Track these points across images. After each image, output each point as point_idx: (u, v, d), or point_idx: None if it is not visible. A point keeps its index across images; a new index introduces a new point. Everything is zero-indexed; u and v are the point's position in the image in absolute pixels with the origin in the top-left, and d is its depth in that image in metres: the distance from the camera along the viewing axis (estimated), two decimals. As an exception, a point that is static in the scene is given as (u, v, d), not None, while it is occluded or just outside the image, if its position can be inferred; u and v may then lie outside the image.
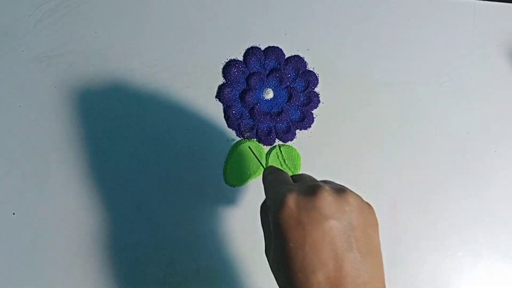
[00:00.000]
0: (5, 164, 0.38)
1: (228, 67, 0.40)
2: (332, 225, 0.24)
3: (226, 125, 0.40)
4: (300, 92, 0.40)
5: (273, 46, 0.41)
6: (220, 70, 0.40)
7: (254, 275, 0.38)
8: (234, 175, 0.39)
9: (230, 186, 0.39)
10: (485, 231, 0.40)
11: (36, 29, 0.40)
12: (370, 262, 0.24)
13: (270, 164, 0.39)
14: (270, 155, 0.39)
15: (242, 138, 0.40)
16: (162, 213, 0.38)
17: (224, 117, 0.40)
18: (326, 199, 0.24)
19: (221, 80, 0.40)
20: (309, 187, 0.25)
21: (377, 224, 0.26)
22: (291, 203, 0.25)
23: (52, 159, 0.38)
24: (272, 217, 0.26)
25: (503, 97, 0.42)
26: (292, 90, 0.40)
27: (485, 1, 0.43)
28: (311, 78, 0.41)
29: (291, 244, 0.24)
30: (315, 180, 0.28)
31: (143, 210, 0.38)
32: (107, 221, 0.38)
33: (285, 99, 0.40)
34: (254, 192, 0.39)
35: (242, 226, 0.38)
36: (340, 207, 0.24)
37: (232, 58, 0.41)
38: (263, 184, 0.30)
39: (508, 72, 0.42)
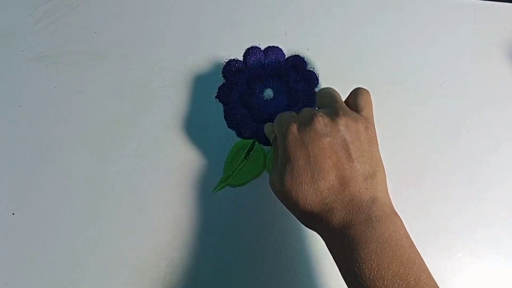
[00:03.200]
0: (5, 164, 0.38)
1: (228, 67, 0.40)
2: (329, 141, 0.29)
3: (226, 125, 0.40)
4: (300, 92, 0.40)
5: (273, 46, 0.41)
6: (220, 70, 0.40)
7: (255, 275, 0.38)
8: (234, 175, 0.39)
9: (230, 186, 0.39)
10: (485, 232, 0.40)
11: (36, 29, 0.40)
12: (369, 171, 0.29)
13: (270, 164, 0.39)
14: (270, 155, 0.39)
15: (242, 138, 0.40)
16: (161, 213, 0.38)
17: (224, 117, 0.40)
18: (321, 122, 0.29)
19: (221, 80, 0.40)
20: (307, 116, 0.30)
21: (372, 138, 0.31)
22: (293, 129, 0.30)
23: (52, 159, 0.38)
24: (281, 145, 0.30)
25: (503, 97, 0.42)
26: (292, 90, 0.40)
27: (485, 1, 0.43)
28: (311, 78, 0.41)
29: (300, 161, 0.28)
30: (313, 109, 0.32)
31: (143, 210, 0.38)
32: (107, 221, 0.38)
33: (285, 99, 0.40)
34: (255, 192, 0.39)
35: (242, 226, 0.38)
36: (334, 127, 0.29)
37: (232, 58, 0.41)
38: (274, 123, 0.34)
39: (508, 72, 0.42)
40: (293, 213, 0.31)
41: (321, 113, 0.30)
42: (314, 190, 0.28)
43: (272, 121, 0.40)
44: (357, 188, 0.28)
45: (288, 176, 0.29)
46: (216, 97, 0.40)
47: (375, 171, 0.29)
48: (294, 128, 0.30)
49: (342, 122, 0.29)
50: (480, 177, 0.41)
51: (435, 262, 0.39)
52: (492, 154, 0.41)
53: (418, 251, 0.28)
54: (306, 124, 0.29)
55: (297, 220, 0.31)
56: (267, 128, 0.36)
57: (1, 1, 0.40)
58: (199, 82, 0.40)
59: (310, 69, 0.41)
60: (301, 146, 0.29)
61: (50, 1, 0.40)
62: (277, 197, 0.31)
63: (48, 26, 0.40)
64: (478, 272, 0.39)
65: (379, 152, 0.31)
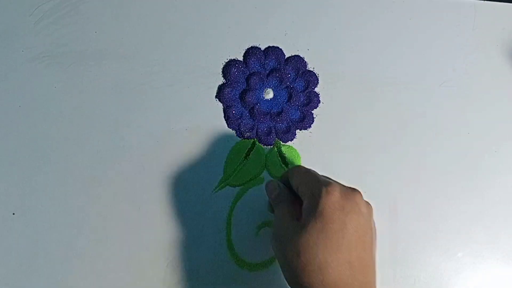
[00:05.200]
0: (5, 164, 0.38)
1: (228, 67, 0.40)
2: (364, 222, 0.29)
3: (226, 125, 0.40)
4: (300, 92, 0.40)
5: (273, 46, 0.41)
6: (220, 70, 0.40)
7: (254, 276, 0.38)
8: (234, 175, 0.39)
9: (230, 186, 0.39)
10: (485, 232, 0.40)
11: (36, 29, 0.40)
12: (373, 264, 0.29)
13: (270, 164, 0.39)
14: (270, 155, 0.39)
15: (242, 138, 0.40)
16: (162, 213, 0.38)
17: (224, 117, 0.40)
18: (363, 200, 0.30)
19: (221, 80, 0.40)
20: (348, 187, 0.30)
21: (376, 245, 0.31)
22: (336, 191, 0.29)
23: (52, 159, 0.38)
24: (313, 202, 0.29)
25: (503, 97, 0.42)
26: (292, 90, 0.40)
27: (485, 1, 0.43)
28: (311, 78, 0.41)
29: (335, 225, 0.27)
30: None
31: (143, 210, 0.38)
32: (107, 221, 0.38)
33: (285, 99, 0.40)
34: (254, 191, 0.39)
35: (242, 226, 0.38)
36: (369, 212, 0.30)
37: (232, 58, 0.41)
38: (294, 175, 0.32)
39: (508, 72, 0.42)
40: (286, 266, 0.29)
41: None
42: (336, 259, 0.27)
43: (272, 121, 0.40)
44: (370, 275, 0.28)
45: (314, 231, 0.27)
46: (216, 97, 0.40)
47: (374, 269, 0.30)
48: (337, 191, 0.29)
49: (372, 211, 0.31)
50: (480, 177, 0.41)
51: (435, 262, 0.39)
52: (492, 154, 0.41)
53: None
54: (349, 194, 0.29)
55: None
56: (272, 184, 0.34)
57: (1, 1, 0.40)
58: (199, 82, 0.40)
59: (310, 69, 0.41)
60: (340, 211, 0.28)
61: (50, 1, 0.40)
62: (277, 245, 0.29)
63: (48, 26, 0.40)
64: (478, 272, 0.39)
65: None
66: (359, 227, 0.28)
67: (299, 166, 0.34)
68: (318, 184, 0.29)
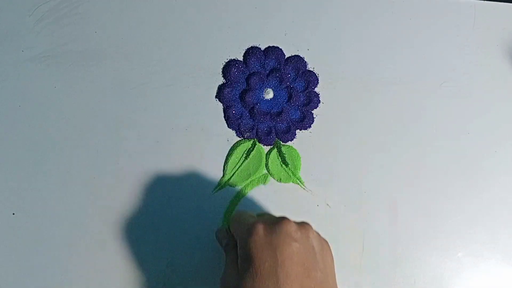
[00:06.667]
0: (5, 164, 0.38)
1: (228, 67, 0.40)
2: (299, 246, 0.27)
3: (226, 125, 0.40)
4: (300, 92, 0.40)
5: (273, 46, 0.41)
6: (220, 70, 0.40)
7: (254, 275, 0.38)
8: (234, 175, 0.39)
9: (230, 186, 0.39)
10: (485, 232, 0.40)
11: (36, 29, 0.40)
12: (330, 284, 0.28)
13: (270, 164, 0.39)
14: (270, 155, 0.39)
15: (242, 138, 0.40)
16: (161, 213, 0.38)
17: (224, 117, 0.40)
18: (292, 226, 0.28)
19: (221, 80, 0.40)
20: (275, 218, 0.29)
21: (333, 259, 0.30)
22: (259, 229, 0.28)
23: (52, 159, 0.38)
24: (242, 247, 0.28)
25: (503, 97, 0.42)
26: (292, 90, 0.40)
27: (485, 1, 0.43)
28: (311, 78, 0.41)
29: (266, 264, 0.26)
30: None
31: (142, 210, 0.38)
32: (106, 221, 0.38)
33: (285, 99, 0.40)
34: (254, 191, 0.39)
35: (242, 226, 0.38)
36: (304, 233, 0.28)
37: (232, 58, 0.41)
38: (231, 223, 0.32)
39: (508, 72, 0.42)
40: None
41: (289, 219, 0.29)
42: None
43: (272, 121, 0.40)
44: None
45: (249, 278, 0.26)
46: (216, 97, 0.40)
47: (330, 280, 0.29)
48: (260, 228, 0.28)
49: (312, 230, 0.29)
50: (480, 177, 0.41)
51: (435, 262, 0.39)
52: (492, 154, 0.41)
53: None
54: (275, 226, 0.28)
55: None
56: (220, 233, 0.34)
57: (1, 1, 0.40)
58: (199, 82, 0.40)
59: (310, 69, 0.41)
60: (268, 249, 0.27)
61: (50, 1, 0.40)
62: None
63: (48, 26, 0.40)
64: (478, 272, 0.39)
65: (335, 272, 0.31)
66: (295, 256, 0.27)
67: (235, 213, 0.33)
68: (243, 227, 0.29)
